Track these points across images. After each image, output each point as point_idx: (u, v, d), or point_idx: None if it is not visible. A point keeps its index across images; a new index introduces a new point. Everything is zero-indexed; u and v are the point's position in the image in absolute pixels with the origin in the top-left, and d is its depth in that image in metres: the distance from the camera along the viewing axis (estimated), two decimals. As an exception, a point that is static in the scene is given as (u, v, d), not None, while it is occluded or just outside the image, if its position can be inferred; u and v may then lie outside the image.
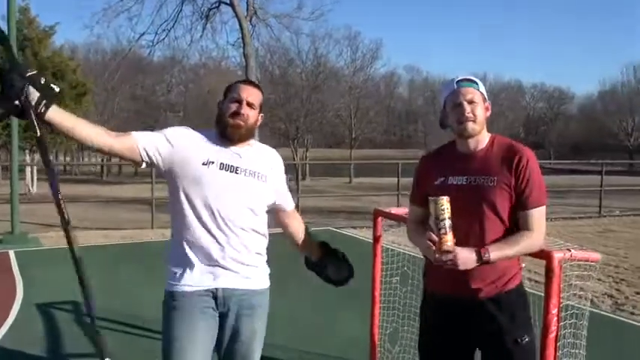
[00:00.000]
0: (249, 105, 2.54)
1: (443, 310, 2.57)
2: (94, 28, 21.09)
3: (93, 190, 27.56)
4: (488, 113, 2.52)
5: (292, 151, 42.61)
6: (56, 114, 2.15)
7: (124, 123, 47.34)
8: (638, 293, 6.98)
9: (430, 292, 2.67)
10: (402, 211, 3.88)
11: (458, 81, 2.50)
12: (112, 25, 20.12)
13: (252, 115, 2.55)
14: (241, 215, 2.50)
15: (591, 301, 3.02)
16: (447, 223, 2.35)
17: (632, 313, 6.20)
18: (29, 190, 28.97)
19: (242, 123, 2.50)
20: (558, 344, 2.74)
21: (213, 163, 2.46)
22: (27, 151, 30.04)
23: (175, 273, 2.48)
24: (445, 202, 2.36)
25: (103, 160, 47.79)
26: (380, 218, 3.93)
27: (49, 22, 46.28)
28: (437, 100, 63.67)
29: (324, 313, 5.70)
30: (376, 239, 3.94)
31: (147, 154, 2.41)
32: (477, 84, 2.49)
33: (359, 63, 50.70)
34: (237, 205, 2.48)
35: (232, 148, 2.53)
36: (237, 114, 2.50)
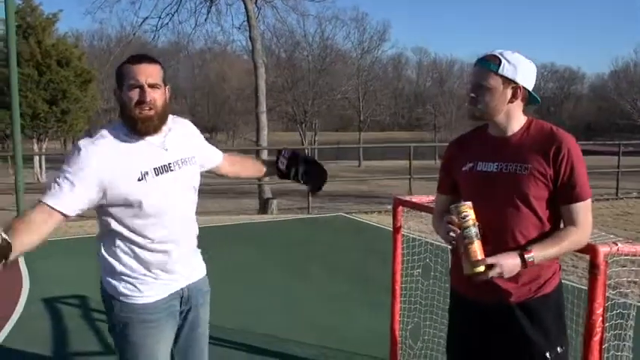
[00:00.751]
0: (152, 86, 2.18)
1: (467, 315, 2.34)
2: (96, 14, 20.79)
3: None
4: (515, 100, 2.22)
5: (300, 134, 42.38)
6: (16, 252, 1.91)
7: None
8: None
9: (454, 293, 2.44)
10: (425, 199, 3.64)
11: (479, 58, 2.25)
12: (114, 10, 19.81)
13: (159, 97, 2.20)
14: (187, 208, 2.36)
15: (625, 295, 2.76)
16: (472, 231, 2.09)
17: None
18: (38, 179, 28.94)
19: (152, 112, 2.17)
20: (603, 347, 2.51)
21: (147, 173, 2.17)
22: (35, 140, 29.93)
23: (132, 285, 2.24)
24: (467, 208, 2.11)
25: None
26: (400, 207, 3.68)
27: (52, 9, 45.99)
28: (445, 81, 63.21)
29: (338, 304, 5.47)
30: (396, 230, 3.68)
31: (80, 211, 2.14)
32: (496, 65, 2.19)
33: (366, 45, 50.25)
34: (182, 201, 2.31)
35: (152, 141, 2.22)
36: (142, 103, 2.16)
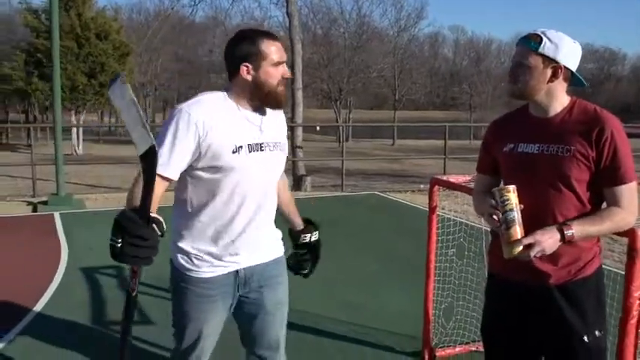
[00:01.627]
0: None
1: (505, 296, 2.34)
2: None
3: (133, 150, 27.79)
4: (555, 79, 2.19)
5: (335, 112, 42.29)
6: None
7: (167, 82, 47.74)
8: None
9: (492, 274, 2.43)
10: (462, 179, 3.63)
11: (522, 37, 2.24)
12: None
13: None
14: (268, 192, 2.35)
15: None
16: (513, 215, 2.09)
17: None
18: (75, 151, 29.47)
19: (285, 89, 2.28)
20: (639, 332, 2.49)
21: (241, 148, 2.20)
22: (73, 112, 30.44)
23: (194, 255, 2.28)
24: (509, 192, 2.11)
25: (147, 121, 48.34)
26: (437, 187, 3.67)
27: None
28: (482, 60, 62.17)
29: (373, 284, 5.49)
30: (432, 209, 3.67)
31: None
32: (538, 43, 2.17)
33: (403, 23, 49.66)
34: (264, 182, 2.32)
35: (251, 118, 2.25)
36: (286, 79, 2.25)
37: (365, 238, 7.14)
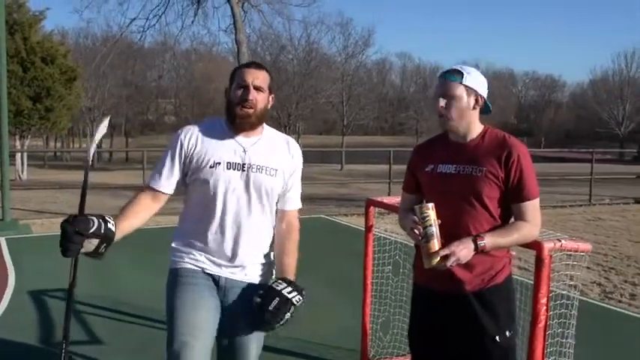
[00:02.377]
0: (257, 89, 2.46)
1: (427, 304, 2.61)
2: (84, 13, 20.86)
3: (81, 176, 27.29)
4: (478, 107, 2.52)
5: (284, 137, 42.41)
6: (118, 235, 2.32)
7: (115, 108, 47.19)
8: (626, 282, 7.05)
9: (417, 284, 2.70)
10: (395, 200, 3.90)
11: (443, 72, 2.54)
12: (102, 10, 19.86)
13: (260, 100, 2.47)
14: (250, 213, 2.48)
15: (580, 290, 3.04)
16: (432, 230, 2.37)
17: (620, 301, 6.25)
18: (19, 176, 28.81)
19: (251, 110, 2.44)
20: (547, 333, 2.79)
21: (219, 164, 2.44)
22: (17, 137, 29.80)
23: (182, 252, 2.53)
24: (428, 209, 2.38)
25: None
26: (372, 207, 3.95)
27: (39, 7, 45.82)
28: (429, 87, 63.67)
29: (314, 300, 5.68)
30: (368, 228, 3.96)
31: (175, 187, 2.54)
32: (461, 76, 2.48)
33: (351, 50, 50.52)
34: (245, 202, 2.47)
35: (239, 140, 2.49)
36: (244, 101, 2.44)
37: (310, 259, 7.31)
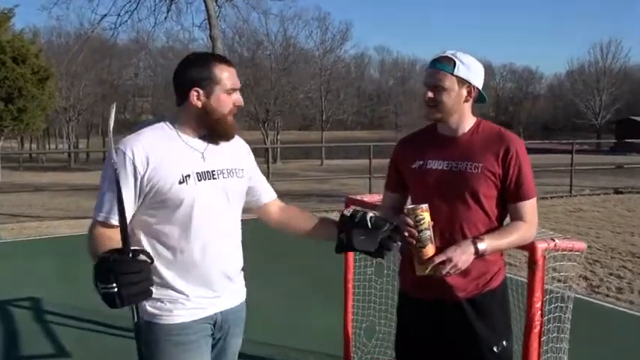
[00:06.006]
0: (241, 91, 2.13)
1: (416, 313, 2.39)
2: (53, 10, 20.34)
3: (60, 177, 26.91)
4: (470, 98, 2.29)
5: (263, 134, 42.28)
6: None
7: (91, 107, 46.56)
8: (612, 274, 6.93)
9: (404, 293, 2.48)
10: (376, 198, 3.71)
11: (433, 59, 2.30)
12: (71, 6, 19.42)
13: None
14: (228, 223, 2.14)
15: (568, 285, 2.88)
16: (427, 234, 2.13)
17: (607, 295, 6.13)
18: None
19: (235, 121, 2.13)
20: (542, 339, 2.61)
21: (189, 177, 2.00)
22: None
23: (162, 300, 2.01)
24: (423, 211, 2.14)
25: (70, 147, 46.97)
26: (352, 206, 3.74)
27: (8, 4, 45.01)
28: (407, 80, 63.75)
29: (297, 304, 5.52)
30: (348, 228, 3.74)
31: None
32: (451, 66, 2.25)
33: (329, 44, 50.45)
34: (223, 214, 2.11)
35: (193, 144, 2.07)
36: (236, 109, 2.08)
37: (291, 258, 7.16)
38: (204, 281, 2.06)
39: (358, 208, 2.37)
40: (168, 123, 2.08)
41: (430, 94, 2.27)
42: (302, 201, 14.96)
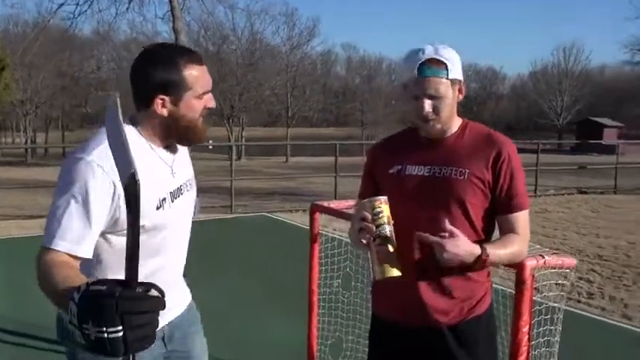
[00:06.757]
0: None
1: (391, 341, 2.10)
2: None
3: (15, 173, 25.98)
4: (461, 96, 2.00)
5: (227, 130, 41.73)
6: None
7: (50, 100, 45.26)
8: (581, 279, 6.78)
9: (377, 316, 2.18)
10: (344, 204, 3.41)
11: (421, 65, 1.92)
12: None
13: None
14: (185, 239, 1.96)
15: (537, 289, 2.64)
16: (387, 229, 1.83)
17: (579, 301, 5.97)
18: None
19: (206, 122, 1.85)
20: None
21: (165, 200, 1.76)
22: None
23: None
24: (381, 204, 1.85)
25: (26, 142, 45.59)
26: (317, 214, 3.43)
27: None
28: (374, 78, 63.71)
29: (256, 314, 5.18)
30: (313, 238, 3.43)
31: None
32: (445, 70, 1.93)
33: (296, 40, 50.03)
34: (184, 231, 1.93)
35: (165, 158, 1.81)
36: (209, 110, 1.83)
37: (251, 263, 6.83)
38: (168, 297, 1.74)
39: None
40: (138, 129, 1.76)
41: (429, 108, 1.94)
42: (265, 199, 14.62)
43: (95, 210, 1.55)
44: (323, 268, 3.59)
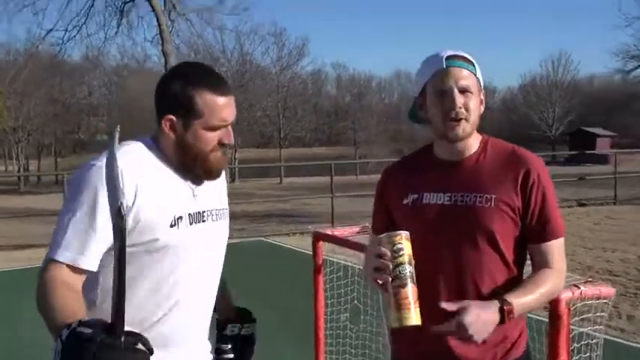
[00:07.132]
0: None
1: None
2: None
3: (5, 201, 25.65)
4: (483, 107, 1.76)
5: (220, 152, 41.52)
6: None
7: (42, 127, 44.98)
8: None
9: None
10: (349, 230, 3.16)
11: (448, 57, 1.71)
12: (18, 21, 18.53)
13: None
14: (212, 278, 1.75)
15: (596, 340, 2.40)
16: (407, 270, 1.58)
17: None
18: None
19: (223, 156, 1.68)
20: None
21: (181, 219, 1.60)
22: None
23: None
24: (402, 239, 1.60)
25: (19, 170, 45.27)
26: (320, 242, 3.18)
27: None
28: (364, 96, 63.75)
29: (265, 343, 4.90)
30: (317, 269, 3.16)
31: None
32: (472, 65, 1.72)
33: (285, 61, 50.01)
34: (208, 266, 1.72)
35: (182, 175, 1.66)
36: (228, 146, 1.66)
37: (248, 294, 6.54)
38: (166, 352, 1.57)
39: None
40: (157, 144, 1.63)
41: (461, 101, 1.70)
42: (261, 222, 14.36)
43: (102, 219, 1.44)
44: (329, 301, 3.32)
